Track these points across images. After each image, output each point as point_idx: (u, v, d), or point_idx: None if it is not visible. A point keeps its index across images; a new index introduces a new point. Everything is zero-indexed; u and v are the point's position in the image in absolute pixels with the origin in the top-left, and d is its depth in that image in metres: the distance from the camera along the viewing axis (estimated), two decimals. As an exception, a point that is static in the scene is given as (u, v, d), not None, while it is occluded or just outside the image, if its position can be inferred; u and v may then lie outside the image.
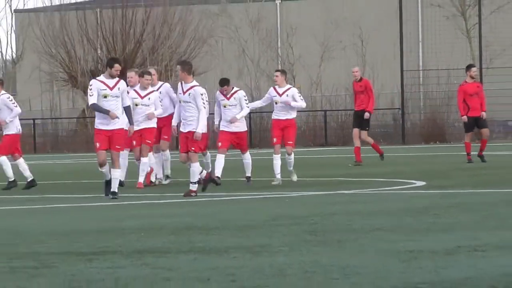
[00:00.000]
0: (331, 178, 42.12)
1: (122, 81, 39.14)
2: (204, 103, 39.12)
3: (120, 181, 39.63)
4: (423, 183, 35.94)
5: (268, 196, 33.48)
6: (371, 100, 51.46)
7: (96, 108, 39.06)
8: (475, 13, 79.84)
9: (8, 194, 38.84)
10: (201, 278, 16.56)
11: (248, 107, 44.00)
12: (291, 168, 42.38)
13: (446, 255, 18.65)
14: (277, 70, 46.82)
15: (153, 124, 45.34)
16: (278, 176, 41.66)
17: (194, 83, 38.38)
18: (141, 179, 42.83)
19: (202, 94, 38.21)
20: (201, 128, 37.59)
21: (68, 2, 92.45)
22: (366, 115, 52.16)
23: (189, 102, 37.33)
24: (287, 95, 43.23)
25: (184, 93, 37.25)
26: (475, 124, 48.51)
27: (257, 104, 47.53)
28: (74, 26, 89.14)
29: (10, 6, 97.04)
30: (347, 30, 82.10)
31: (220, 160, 42.25)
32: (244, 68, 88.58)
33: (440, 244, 20.47)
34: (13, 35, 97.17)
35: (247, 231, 24.52)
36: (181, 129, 38.92)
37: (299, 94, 41.51)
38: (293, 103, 44.08)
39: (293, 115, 44.15)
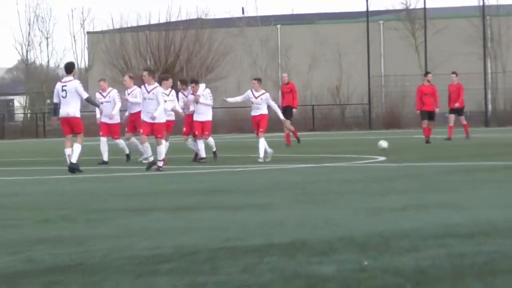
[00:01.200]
0: (317, 154, 41.90)
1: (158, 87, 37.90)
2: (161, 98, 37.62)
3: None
4: (384, 158, 35.95)
5: (270, 168, 33.44)
6: (295, 99, 51.02)
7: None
8: (422, 34, 79.66)
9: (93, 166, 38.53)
10: (222, 227, 16.72)
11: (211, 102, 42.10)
12: (266, 149, 40.38)
13: (401, 211, 18.76)
14: (255, 78, 45.64)
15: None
16: (261, 155, 39.82)
17: (156, 84, 37.42)
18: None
19: (162, 93, 37.43)
20: (158, 114, 36.48)
21: (125, 26, 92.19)
22: (294, 110, 52.44)
23: (152, 99, 36.28)
24: (261, 99, 41.71)
25: (148, 92, 36.48)
26: (428, 115, 48.86)
27: (237, 99, 45.86)
28: (130, 43, 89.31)
29: (84, 28, 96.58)
30: (329, 47, 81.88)
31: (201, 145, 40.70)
32: (255, 75, 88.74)
33: (397, 203, 20.52)
34: (86, 50, 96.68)
35: (255, 193, 24.70)
36: (145, 119, 37.44)
37: (270, 98, 40.98)
38: (274, 108, 43.14)
39: (265, 111, 42.30)
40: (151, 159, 35.60)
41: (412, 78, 76.86)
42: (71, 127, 35.17)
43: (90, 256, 13.35)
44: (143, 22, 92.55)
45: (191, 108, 41.67)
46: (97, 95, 42.25)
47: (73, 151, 34.43)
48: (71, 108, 34.80)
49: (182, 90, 42.63)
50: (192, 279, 11.20)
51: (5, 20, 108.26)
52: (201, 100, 41.20)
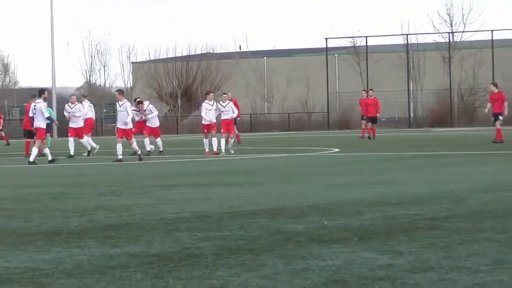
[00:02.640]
0: (292, 147, 41.21)
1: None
2: (131, 111, 36.21)
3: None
4: (338, 149, 35.89)
5: (259, 157, 33.23)
6: (238, 112, 44.97)
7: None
8: (365, 63, 79.59)
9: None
10: (227, 198, 16.72)
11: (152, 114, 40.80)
12: (230, 146, 38.89)
13: (350, 186, 18.75)
14: (224, 93, 44.03)
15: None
16: (222, 149, 37.31)
17: (125, 100, 35.63)
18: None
19: (130, 106, 36.02)
20: (129, 124, 34.90)
21: (158, 58, 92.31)
22: (237, 119, 47.06)
23: (123, 111, 34.38)
24: (229, 107, 38.73)
25: (120, 106, 34.93)
26: (371, 120, 48.59)
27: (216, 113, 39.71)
28: (161, 70, 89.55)
29: (129, 59, 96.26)
30: (301, 72, 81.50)
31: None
32: (248, 92, 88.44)
33: (347, 181, 20.55)
34: (131, 75, 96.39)
35: (250, 175, 24.53)
36: (119, 126, 35.42)
37: (234, 107, 39.69)
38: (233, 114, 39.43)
39: (231, 116, 39.27)
40: (120, 157, 33.62)
41: (358, 94, 76.82)
42: (36, 134, 34.03)
43: (133, 218, 13.47)
44: (170, 54, 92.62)
45: (137, 118, 39.81)
46: (117, 104, 38.51)
47: (33, 152, 33.32)
48: (37, 121, 33.62)
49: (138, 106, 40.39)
50: (204, 234, 11.25)
51: (74, 52, 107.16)
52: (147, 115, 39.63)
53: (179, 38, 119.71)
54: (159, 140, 38.97)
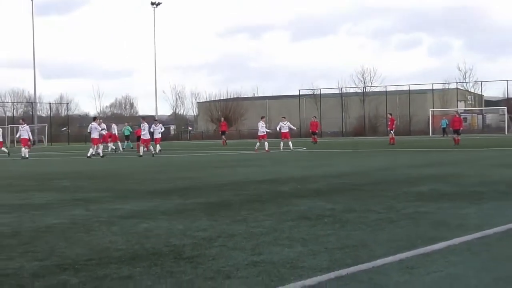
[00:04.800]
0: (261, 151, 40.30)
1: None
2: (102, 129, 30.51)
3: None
4: (305, 148, 35.47)
5: (261, 153, 32.39)
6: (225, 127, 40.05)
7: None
8: (320, 104, 79.47)
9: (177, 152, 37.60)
10: (245, 173, 16.42)
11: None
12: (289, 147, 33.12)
13: (310, 167, 18.34)
14: (283, 116, 37.76)
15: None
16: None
17: (103, 125, 31.16)
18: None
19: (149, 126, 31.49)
20: (100, 136, 29.79)
21: (211, 99, 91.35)
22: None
23: (97, 129, 29.34)
24: (286, 124, 35.09)
25: (99, 125, 29.81)
26: (314, 133, 47.86)
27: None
28: (213, 106, 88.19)
29: (196, 99, 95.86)
30: (285, 108, 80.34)
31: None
32: (257, 119, 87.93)
33: (308, 164, 20.22)
34: (196, 109, 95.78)
35: (257, 161, 23.38)
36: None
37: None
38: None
39: (287, 130, 34.82)
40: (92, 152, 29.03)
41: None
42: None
43: (198, 182, 13.28)
44: (217, 97, 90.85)
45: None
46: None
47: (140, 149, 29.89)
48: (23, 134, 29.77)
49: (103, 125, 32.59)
50: (234, 192, 11.17)
51: (167, 95, 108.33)
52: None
53: (223, 87, 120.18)
54: (158, 146, 32.67)
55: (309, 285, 4.50)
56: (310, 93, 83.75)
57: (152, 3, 76.02)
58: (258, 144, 33.24)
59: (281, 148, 33.23)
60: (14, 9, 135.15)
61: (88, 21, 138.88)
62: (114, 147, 37.02)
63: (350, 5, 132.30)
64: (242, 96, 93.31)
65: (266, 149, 32.07)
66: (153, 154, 30.00)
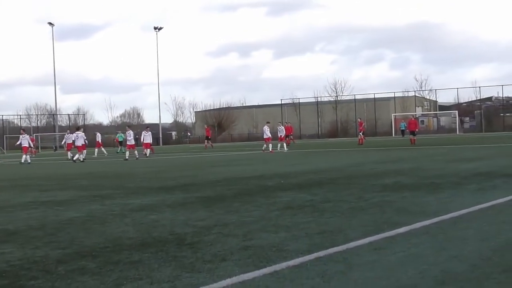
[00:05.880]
0: (250, 152, 39.76)
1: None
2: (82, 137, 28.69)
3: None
4: (286, 149, 35.35)
5: (254, 153, 32.13)
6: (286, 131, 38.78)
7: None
8: (299, 111, 79.29)
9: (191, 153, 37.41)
10: (238, 171, 16.35)
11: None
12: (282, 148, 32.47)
13: (292, 165, 18.16)
14: (279, 122, 36.87)
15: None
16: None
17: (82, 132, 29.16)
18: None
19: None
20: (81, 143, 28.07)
21: (207, 109, 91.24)
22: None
23: (79, 138, 28.41)
24: (281, 129, 34.00)
25: (77, 135, 28.48)
26: (288, 136, 45.56)
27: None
28: (208, 115, 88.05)
29: (194, 109, 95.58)
30: (270, 115, 79.68)
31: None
32: (246, 125, 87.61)
33: (290, 162, 20.07)
34: (194, 118, 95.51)
35: (251, 160, 23.44)
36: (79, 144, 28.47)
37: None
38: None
39: (281, 134, 33.29)
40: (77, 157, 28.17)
41: (293, 125, 76.00)
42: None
43: (198, 180, 13.22)
44: (212, 107, 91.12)
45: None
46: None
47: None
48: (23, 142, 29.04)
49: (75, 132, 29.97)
50: (227, 187, 11.11)
51: (168, 106, 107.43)
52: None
53: (216, 98, 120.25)
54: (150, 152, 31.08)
55: (292, 265, 4.49)
56: (290, 102, 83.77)
57: (155, 28, 76.06)
58: (264, 145, 32.84)
59: (278, 149, 32.94)
60: (40, 35, 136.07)
61: (101, 44, 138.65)
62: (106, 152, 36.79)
63: (324, 27, 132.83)
64: (232, 106, 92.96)
65: (271, 150, 31.76)
66: (136, 158, 28.43)
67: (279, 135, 33.87)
